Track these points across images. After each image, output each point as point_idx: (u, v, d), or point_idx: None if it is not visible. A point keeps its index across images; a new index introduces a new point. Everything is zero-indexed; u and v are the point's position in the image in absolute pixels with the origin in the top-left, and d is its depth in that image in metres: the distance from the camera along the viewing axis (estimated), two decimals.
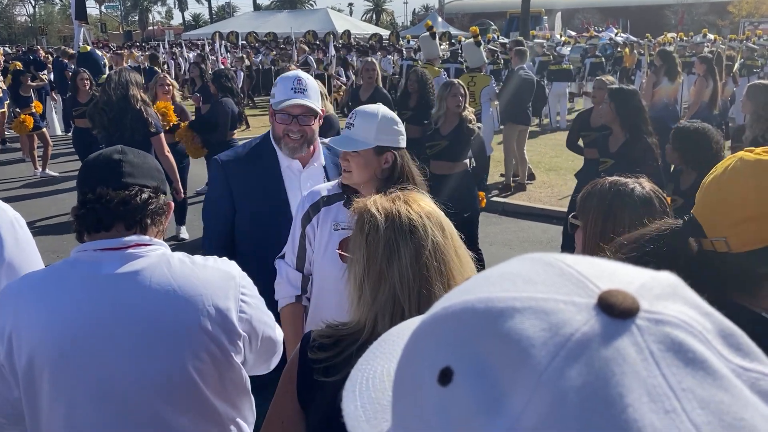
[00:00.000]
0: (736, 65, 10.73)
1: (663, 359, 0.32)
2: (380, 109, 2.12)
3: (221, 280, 1.44)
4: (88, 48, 9.05)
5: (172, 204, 1.52)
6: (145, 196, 1.40)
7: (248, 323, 1.48)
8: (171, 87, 6.30)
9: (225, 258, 1.53)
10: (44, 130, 9.46)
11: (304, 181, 2.37)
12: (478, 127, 4.84)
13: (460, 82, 4.80)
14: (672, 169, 3.56)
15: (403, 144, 2.13)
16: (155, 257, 1.39)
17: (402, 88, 6.99)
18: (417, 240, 1.19)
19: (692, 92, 7.66)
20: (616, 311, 0.33)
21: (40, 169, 9.28)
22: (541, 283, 0.36)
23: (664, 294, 0.35)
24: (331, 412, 1.19)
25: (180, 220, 6.22)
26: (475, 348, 0.35)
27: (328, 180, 2.37)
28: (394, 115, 2.16)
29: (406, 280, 1.17)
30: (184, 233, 6.29)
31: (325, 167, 2.41)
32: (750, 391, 0.32)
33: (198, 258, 1.47)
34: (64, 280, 1.36)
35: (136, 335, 1.35)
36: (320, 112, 2.37)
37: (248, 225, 2.39)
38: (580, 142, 5.22)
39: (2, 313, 1.35)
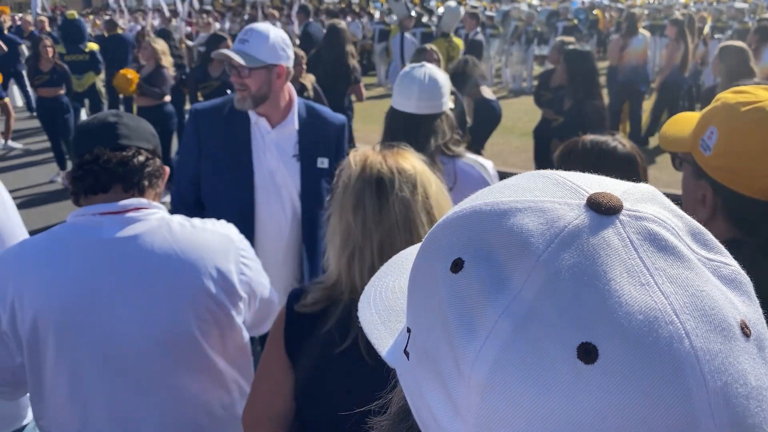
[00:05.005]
0: (707, 27, 10.86)
1: (640, 246, 0.39)
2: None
3: (221, 244, 1.45)
4: (76, 15, 8.65)
5: (167, 169, 1.51)
6: (142, 158, 1.39)
7: (248, 285, 1.50)
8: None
9: (223, 221, 1.54)
10: (6, 100, 9.14)
11: (271, 143, 2.30)
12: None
13: (433, 47, 4.54)
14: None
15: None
16: (155, 221, 1.39)
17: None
18: (382, 191, 1.23)
19: (664, 55, 7.76)
20: (602, 208, 0.40)
21: (3, 141, 8.99)
22: (539, 190, 0.43)
23: (643, 198, 0.42)
24: (317, 362, 1.23)
25: None
26: (483, 241, 0.41)
27: (301, 148, 2.32)
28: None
29: (368, 229, 1.22)
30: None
31: (299, 132, 2.33)
32: (712, 276, 0.40)
33: (197, 221, 1.47)
34: (65, 245, 1.36)
35: (139, 298, 1.35)
36: (269, 63, 2.23)
37: (209, 178, 2.30)
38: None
39: (3, 280, 1.35)
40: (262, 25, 2.29)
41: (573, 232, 0.39)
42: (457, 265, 0.41)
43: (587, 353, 0.35)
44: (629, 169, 1.81)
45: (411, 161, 1.29)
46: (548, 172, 0.45)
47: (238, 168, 2.28)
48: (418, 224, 1.23)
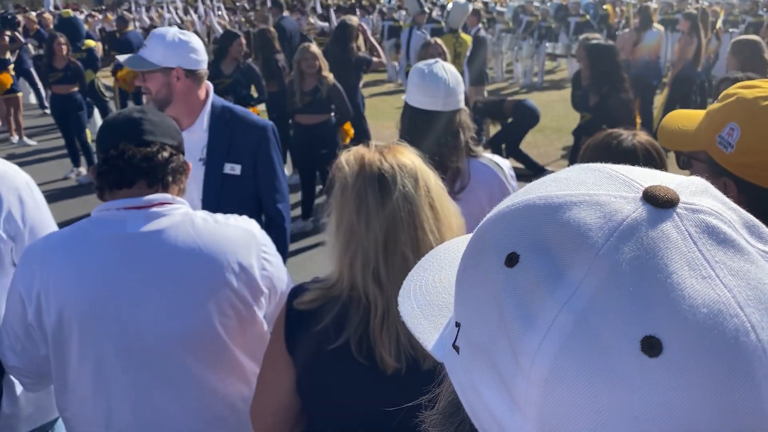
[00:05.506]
0: (719, 21, 10.76)
1: (699, 239, 0.38)
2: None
3: (244, 239, 1.46)
4: (71, 13, 8.75)
5: (190, 165, 1.52)
6: (166, 153, 1.41)
7: (269, 280, 1.51)
8: None
9: (245, 216, 1.55)
10: (19, 95, 9.19)
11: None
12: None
13: (438, 40, 4.68)
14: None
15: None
16: (179, 216, 1.41)
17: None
18: (384, 188, 1.22)
19: (676, 49, 7.70)
20: (660, 201, 0.40)
21: (17, 137, 9.06)
22: (592, 183, 0.43)
23: (698, 191, 0.42)
24: (313, 358, 1.25)
25: None
26: (538, 234, 0.41)
27: (208, 152, 2.26)
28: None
29: (372, 227, 1.21)
30: None
31: (210, 133, 2.27)
32: None
33: (219, 216, 1.48)
34: (90, 239, 1.38)
35: (163, 292, 1.37)
36: (162, 66, 2.18)
37: None
38: None
39: (30, 272, 1.37)
40: (163, 29, 2.27)
41: (632, 225, 0.39)
42: (511, 260, 0.41)
43: (651, 346, 0.35)
44: (631, 164, 1.80)
45: (409, 156, 1.28)
46: (599, 165, 0.45)
47: None
48: (422, 218, 1.22)
